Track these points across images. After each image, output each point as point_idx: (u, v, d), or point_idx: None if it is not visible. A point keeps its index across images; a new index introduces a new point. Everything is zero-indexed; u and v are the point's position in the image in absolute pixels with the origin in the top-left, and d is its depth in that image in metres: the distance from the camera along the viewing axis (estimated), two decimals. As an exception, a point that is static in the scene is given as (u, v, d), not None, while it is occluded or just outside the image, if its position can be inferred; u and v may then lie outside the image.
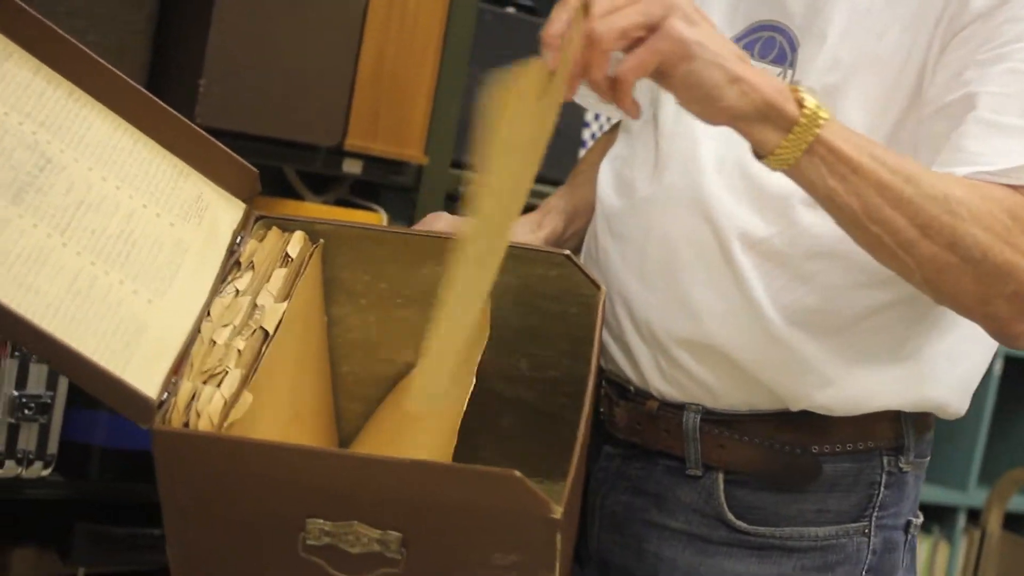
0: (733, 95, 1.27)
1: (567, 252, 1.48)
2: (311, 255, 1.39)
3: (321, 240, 1.41)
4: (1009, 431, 4.05)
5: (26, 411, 2.01)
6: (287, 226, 1.41)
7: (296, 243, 1.38)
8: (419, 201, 2.33)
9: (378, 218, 2.29)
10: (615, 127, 1.77)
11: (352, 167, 2.24)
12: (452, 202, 2.40)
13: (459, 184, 2.39)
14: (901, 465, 1.51)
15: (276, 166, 2.23)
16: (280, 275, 1.34)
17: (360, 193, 2.36)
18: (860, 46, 1.47)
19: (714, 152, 1.50)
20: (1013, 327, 1.35)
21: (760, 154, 1.30)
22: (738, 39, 1.53)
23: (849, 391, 1.46)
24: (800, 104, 1.28)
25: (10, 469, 2.02)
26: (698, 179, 1.49)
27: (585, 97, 1.75)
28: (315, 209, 2.26)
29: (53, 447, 2.05)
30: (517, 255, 1.44)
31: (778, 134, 1.29)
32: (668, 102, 1.54)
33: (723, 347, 1.47)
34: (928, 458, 1.55)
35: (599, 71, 1.25)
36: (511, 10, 2.48)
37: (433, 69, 2.26)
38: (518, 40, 2.43)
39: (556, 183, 1.84)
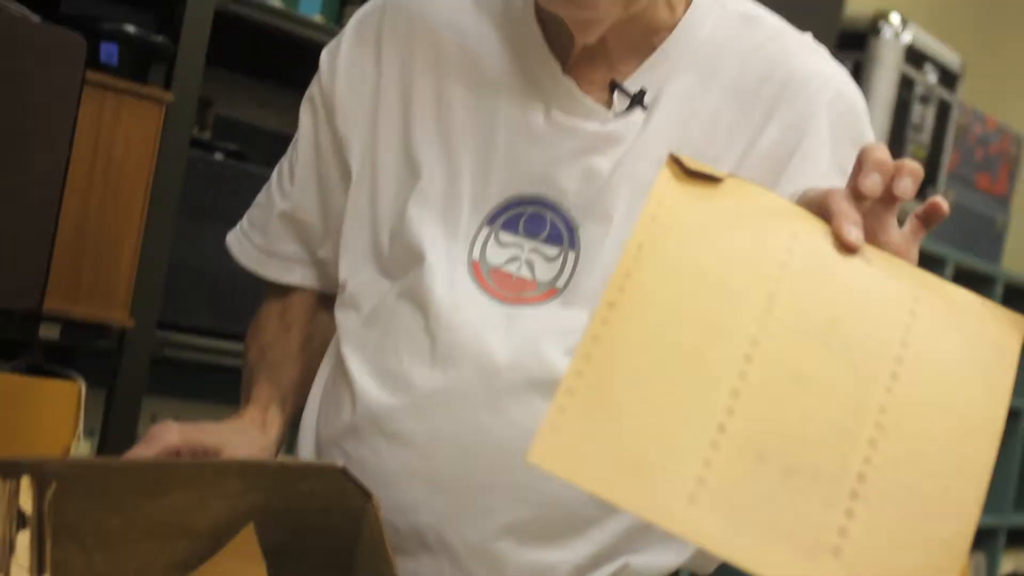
0: None
1: (341, 465, 1.31)
2: (45, 506, 1.17)
3: (54, 483, 1.19)
4: None
5: None
6: (9, 470, 1.18)
7: (26, 494, 1.16)
8: (122, 367, 2.11)
9: (76, 386, 2.06)
10: (282, 290, 1.61)
11: (49, 331, 2.01)
12: (157, 366, 2.19)
13: (165, 347, 2.19)
14: None
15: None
16: (24, 541, 1.12)
17: (55, 357, 2.12)
18: None
19: (504, 348, 1.37)
20: None
21: None
22: (495, 215, 1.42)
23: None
24: None
25: None
26: (492, 376, 1.36)
27: (246, 251, 1.60)
28: (4, 379, 2.01)
29: None
30: (283, 473, 1.28)
31: None
32: (438, 276, 1.40)
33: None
34: None
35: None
36: (219, 156, 2.30)
37: (140, 223, 2.05)
38: (227, 188, 2.26)
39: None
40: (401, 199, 1.46)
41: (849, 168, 1.38)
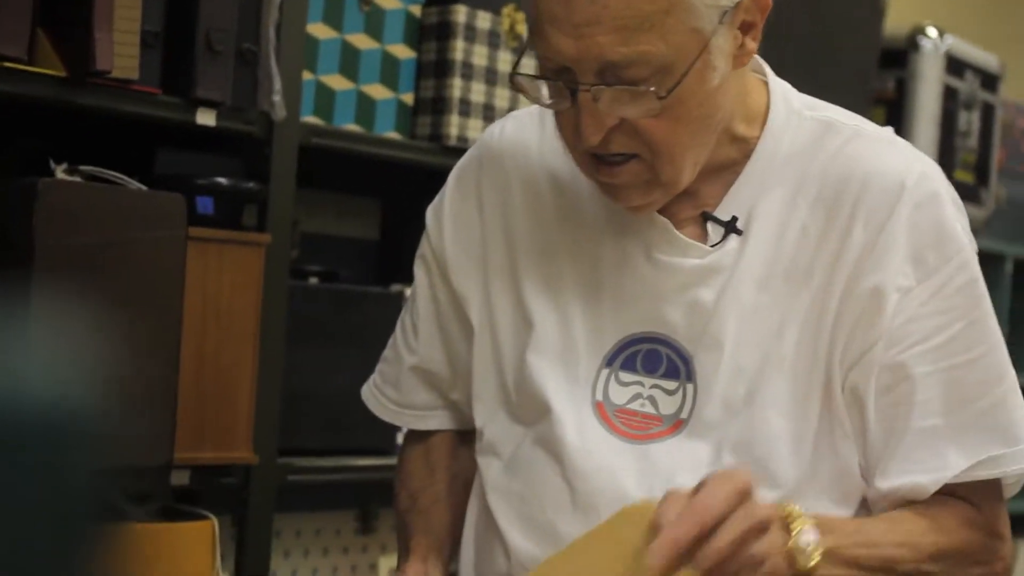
0: None
1: None
2: None
3: None
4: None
5: None
6: None
7: None
8: (250, 501, 2.19)
9: (209, 524, 2.14)
10: (421, 435, 1.68)
11: (180, 478, 2.09)
12: (282, 496, 2.27)
13: (288, 474, 2.26)
14: None
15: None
16: None
17: (183, 499, 2.20)
18: (760, 346, 1.45)
19: (641, 487, 1.44)
20: None
21: None
22: (612, 356, 1.49)
23: None
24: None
25: None
26: None
27: (383, 406, 1.68)
28: (143, 528, 2.09)
29: None
30: None
31: None
32: (567, 425, 1.47)
33: None
34: None
35: None
36: (313, 281, 2.38)
37: (253, 361, 2.13)
38: (324, 310, 2.34)
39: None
40: (519, 349, 1.53)
41: (928, 258, 1.43)
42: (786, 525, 1.28)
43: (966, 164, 3.95)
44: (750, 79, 1.50)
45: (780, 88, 1.52)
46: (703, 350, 1.45)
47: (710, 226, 1.48)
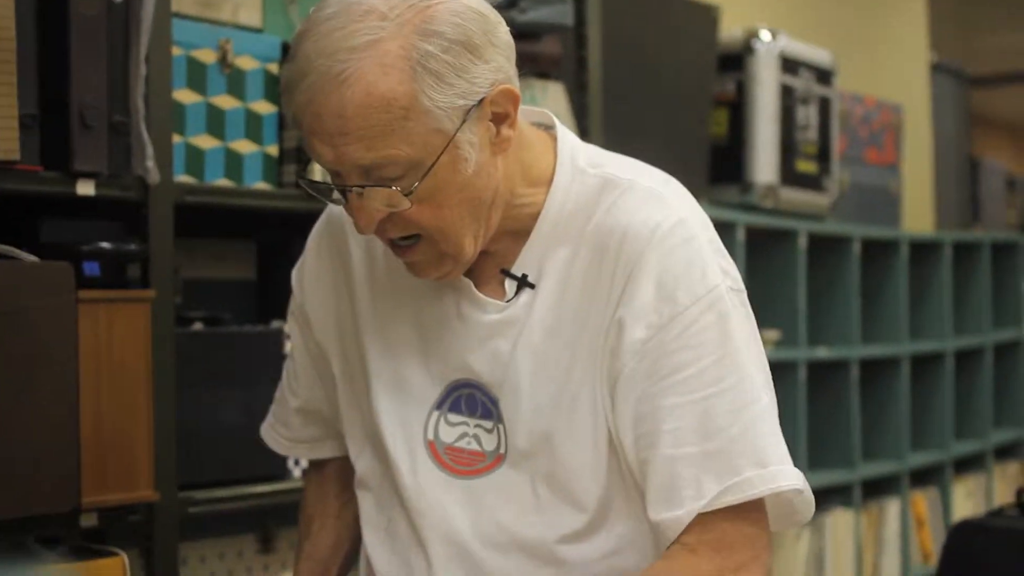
0: None
1: None
2: None
3: None
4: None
5: None
6: None
7: None
8: (155, 535, 2.37)
9: (120, 560, 2.31)
10: (318, 465, 1.89)
11: (89, 520, 2.26)
12: (185, 526, 2.45)
13: (189, 506, 2.44)
14: None
15: (18, 541, 2.23)
16: None
17: (93, 539, 2.37)
18: (553, 387, 1.61)
19: (467, 519, 1.63)
20: None
21: None
22: (441, 400, 1.67)
23: None
24: None
25: None
26: (462, 549, 1.63)
27: (277, 442, 1.90)
28: (57, 569, 2.26)
29: None
30: None
31: None
32: (402, 466, 1.67)
33: None
34: None
35: None
36: (198, 326, 2.56)
37: (147, 407, 2.31)
38: (210, 353, 2.51)
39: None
40: (367, 395, 1.72)
41: (679, 297, 1.55)
42: None
43: (808, 155, 4.19)
44: (538, 147, 1.64)
45: (568, 149, 1.65)
46: (505, 394, 1.63)
47: (507, 282, 1.64)
